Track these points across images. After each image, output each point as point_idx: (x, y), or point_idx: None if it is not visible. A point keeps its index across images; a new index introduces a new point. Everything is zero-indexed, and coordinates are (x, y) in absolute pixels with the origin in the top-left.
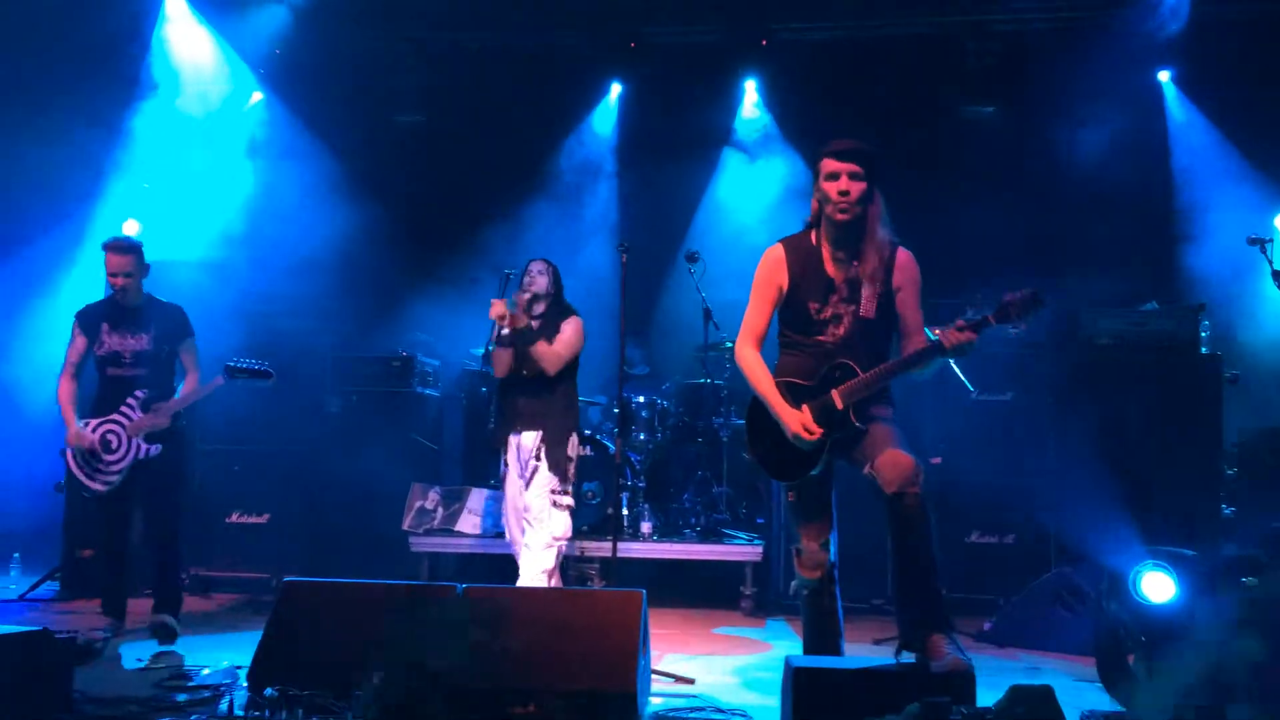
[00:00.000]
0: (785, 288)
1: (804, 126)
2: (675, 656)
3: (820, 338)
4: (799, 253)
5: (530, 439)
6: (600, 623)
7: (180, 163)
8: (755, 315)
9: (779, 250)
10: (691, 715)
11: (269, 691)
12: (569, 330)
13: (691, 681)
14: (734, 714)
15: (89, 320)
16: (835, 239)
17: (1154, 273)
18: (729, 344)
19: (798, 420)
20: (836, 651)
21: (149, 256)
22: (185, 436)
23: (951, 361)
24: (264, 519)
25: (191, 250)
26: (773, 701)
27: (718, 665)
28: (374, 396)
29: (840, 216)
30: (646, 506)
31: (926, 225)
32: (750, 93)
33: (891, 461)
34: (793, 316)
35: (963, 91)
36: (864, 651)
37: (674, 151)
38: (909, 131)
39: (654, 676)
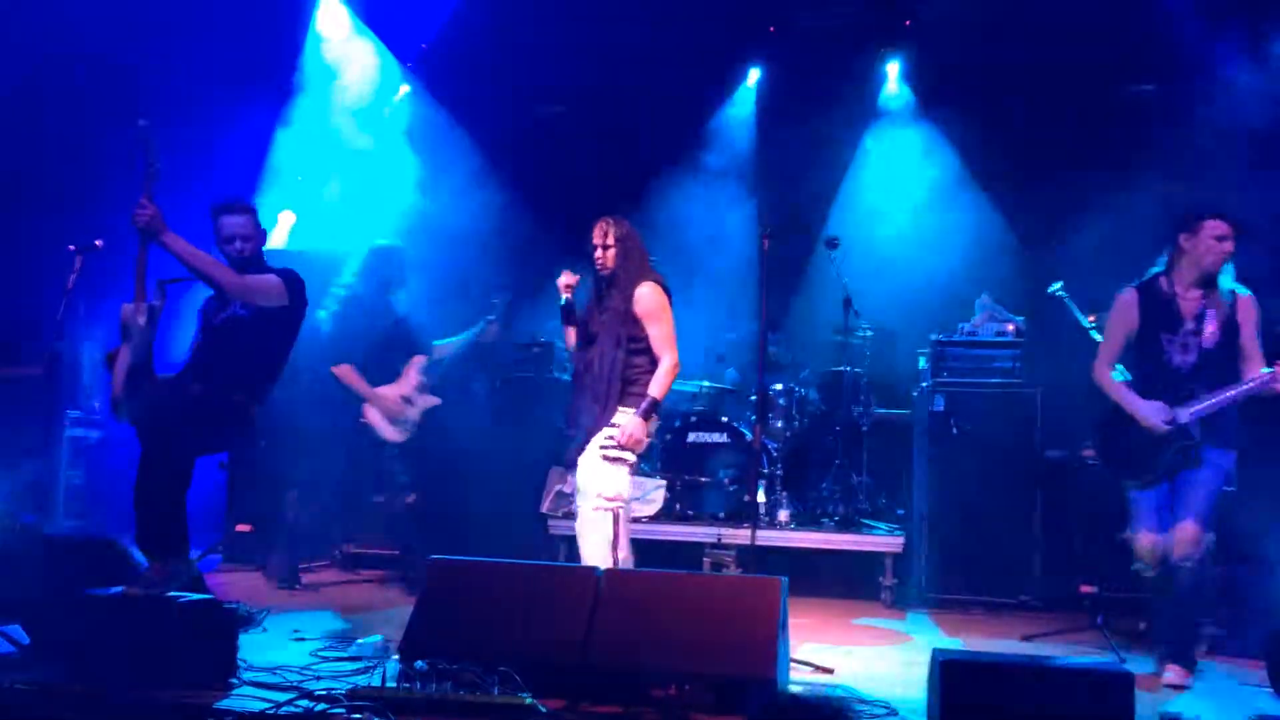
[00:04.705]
0: (1136, 327)
1: (948, 108)
2: (814, 646)
3: (1170, 366)
4: (1151, 296)
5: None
6: (740, 608)
7: (332, 155)
8: (1109, 346)
9: (1132, 295)
10: None
11: (419, 664)
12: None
13: (831, 671)
14: (876, 705)
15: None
16: (1193, 283)
17: None
18: (868, 331)
19: (1155, 407)
20: (1193, 634)
21: (301, 245)
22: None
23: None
24: (411, 499)
25: (341, 240)
26: (916, 694)
27: (858, 656)
28: (516, 381)
29: (1217, 266)
30: (784, 495)
31: (1087, 208)
32: (892, 75)
33: (1181, 533)
34: (1146, 350)
35: (1121, 68)
36: (1013, 648)
37: (813, 136)
38: (1064, 111)
39: (793, 665)
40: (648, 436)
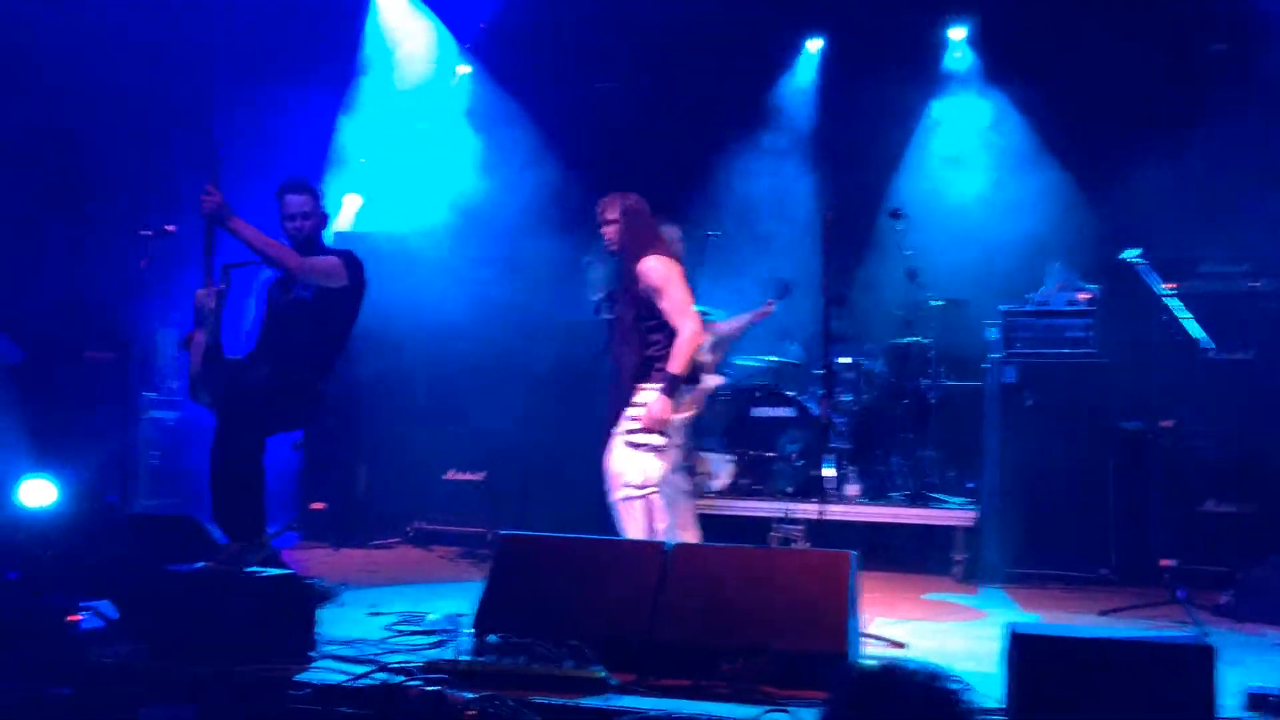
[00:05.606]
0: None
1: (1016, 72)
2: (884, 621)
3: None
4: None
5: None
6: (809, 582)
7: (394, 137)
8: None
9: None
10: None
11: (492, 638)
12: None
13: (903, 646)
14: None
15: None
16: None
17: None
18: (934, 302)
19: None
20: None
21: (366, 228)
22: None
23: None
24: (480, 476)
25: (406, 222)
26: (990, 669)
27: (929, 631)
28: (581, 358)
29: None
30: (852, 469)
31: (1162, 173)
32: (958, 40)
33: None
34: None
35: (1195, 27)
36: (1091, 622)
37: (877, 105)
38: (1135, 73)
39: (863, 640)
40: (674, 414)
